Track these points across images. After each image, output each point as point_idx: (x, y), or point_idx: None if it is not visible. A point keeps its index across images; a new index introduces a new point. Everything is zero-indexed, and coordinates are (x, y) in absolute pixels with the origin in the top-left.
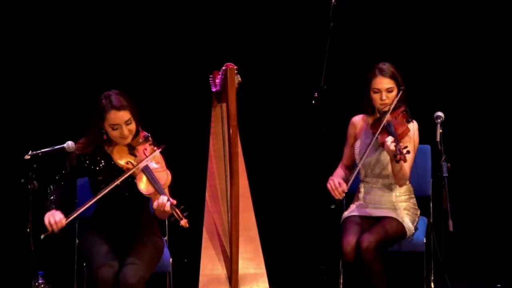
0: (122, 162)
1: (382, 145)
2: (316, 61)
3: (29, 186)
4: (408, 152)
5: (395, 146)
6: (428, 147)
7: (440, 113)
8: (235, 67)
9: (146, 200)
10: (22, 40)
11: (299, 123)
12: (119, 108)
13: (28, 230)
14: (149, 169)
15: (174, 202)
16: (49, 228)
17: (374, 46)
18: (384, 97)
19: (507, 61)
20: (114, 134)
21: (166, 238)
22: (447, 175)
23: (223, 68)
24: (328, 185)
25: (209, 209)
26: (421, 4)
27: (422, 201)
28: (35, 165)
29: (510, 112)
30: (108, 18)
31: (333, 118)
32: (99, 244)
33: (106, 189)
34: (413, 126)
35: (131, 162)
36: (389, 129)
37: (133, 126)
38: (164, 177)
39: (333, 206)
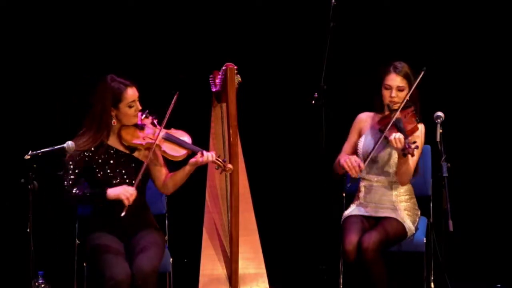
0: (139, 141)
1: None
2: (316, 61)
3: (29, 186)
4: (416, 147)
5: (404, 140)
6: (428, 147)
7: (440, 113)
8: (235, 67)
9: (145, 196)
10: (22, 40)
11: (299, 123)
12: (131, 85)
13: (28, 230)
14: (171, 134)
15: (214, 153)
16: (127, 203)
17: (374, 46)
18: (393, 94)
19: (507, 61)
20: (130, 112)
21: (166, 238)
22: (447, 175)
23: (223, 68)
24: (344, 164)
25: (209, 209)
26: (421, 4)
27: (422, 201)
28: (35, 165)
29: (510, 112)
30: (108, 18)
31: (333, 118)
32: (106, 245)
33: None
34: (421, 128)
35: (149, 137)
36: (399, 125)
37: (138, 102)
38: (186, 136)
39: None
